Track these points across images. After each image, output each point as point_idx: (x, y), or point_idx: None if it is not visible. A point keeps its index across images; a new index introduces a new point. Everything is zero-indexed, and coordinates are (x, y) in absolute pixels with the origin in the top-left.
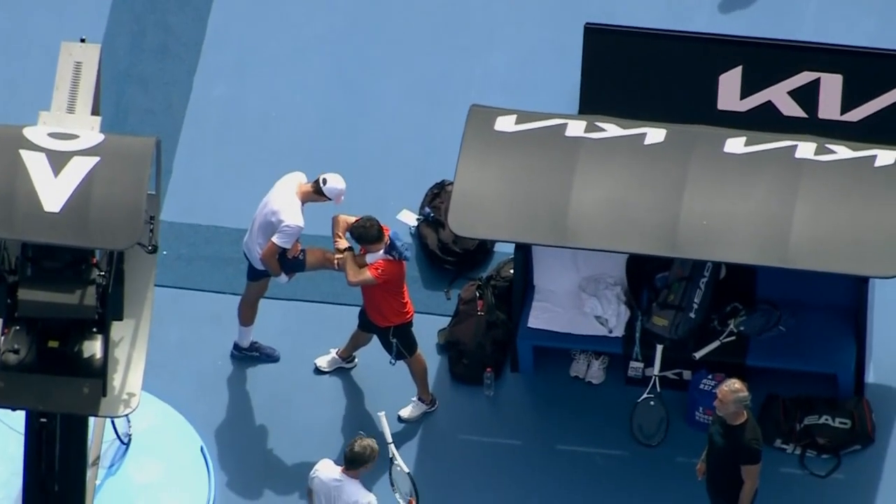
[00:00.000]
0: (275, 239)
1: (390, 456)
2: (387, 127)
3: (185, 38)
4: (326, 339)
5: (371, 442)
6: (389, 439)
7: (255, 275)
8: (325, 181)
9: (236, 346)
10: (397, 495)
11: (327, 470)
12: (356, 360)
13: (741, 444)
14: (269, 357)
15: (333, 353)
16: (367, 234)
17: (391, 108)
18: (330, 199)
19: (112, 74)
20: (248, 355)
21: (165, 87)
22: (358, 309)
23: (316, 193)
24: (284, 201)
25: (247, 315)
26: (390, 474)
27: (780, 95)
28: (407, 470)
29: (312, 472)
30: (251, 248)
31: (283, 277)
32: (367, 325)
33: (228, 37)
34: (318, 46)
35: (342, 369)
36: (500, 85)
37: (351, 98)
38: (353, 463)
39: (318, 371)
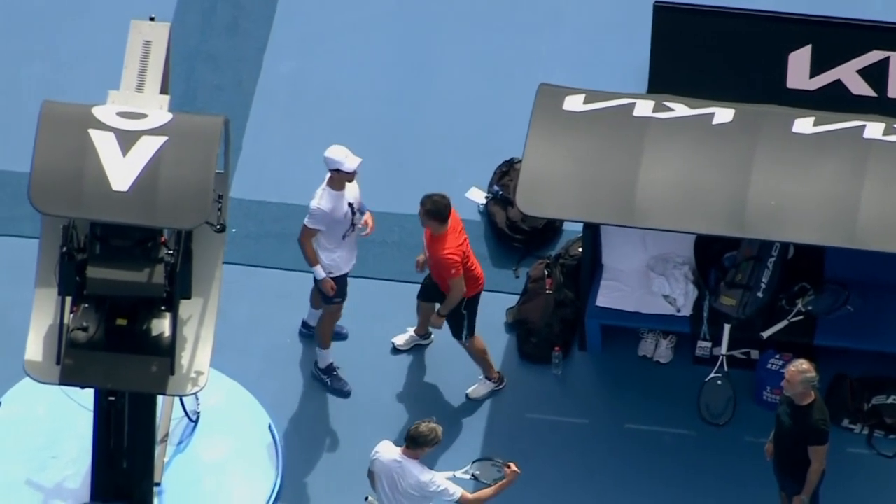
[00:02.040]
0: (305, 221)
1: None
2: (454, 104)
3: (254, 14)
4: (395, 317)
5: (437, 427)
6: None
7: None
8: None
9: (304, 325)
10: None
11: (388, 452)
12: (432, 335)
13: (809, 425)
14: (338, 391)
15: (410, 332)
16: (436, 207)
17: (458, 84)
18: (348, 173)
19: (181, 52)
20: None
21: (235, 64)
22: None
23: (330, 171)
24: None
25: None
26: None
27: (849, 74)
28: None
29: (373, 453)
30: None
31: (319, 271)
32: (433, 296)
33: (297, 13)
34: (385, 22)
35: (417, 346)
36: (567, 63)
37: (418, 74)
38: (414, 442)
39: (395, 350)
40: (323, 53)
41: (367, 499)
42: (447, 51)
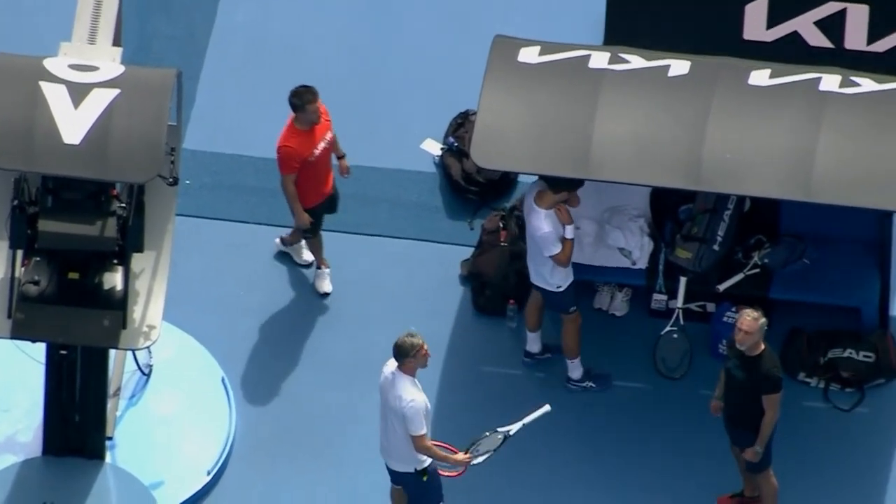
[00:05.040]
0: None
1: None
2: (409, 55)
3: None
4: (348, 268)
5: (416, 338)
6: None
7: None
8: None
9: (527, 353)
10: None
11: (389, 365)
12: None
13: (762, 374)
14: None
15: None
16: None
17: (413, 36)
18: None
19: (134, 2)
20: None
21: (189, 13)
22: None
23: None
24: None
25: (531, 318)
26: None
27: (806, 25)
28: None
29: (384, 367)
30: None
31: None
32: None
33: None
34: None
35: (372, 302)
36: (524, 14)
37: (373, 26)
38: (396, 356)
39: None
40: (278, 3)
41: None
42: (404, 1)
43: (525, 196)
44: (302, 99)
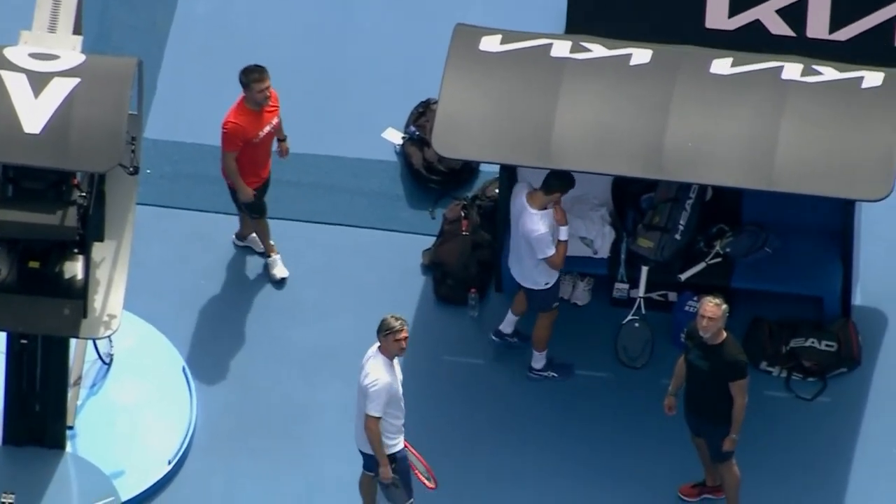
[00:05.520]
0: None
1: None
2: (372, 43)
3: None
4: (309, 258)
5: (393, 321)
6: None
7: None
8: None
9: (497, 332)
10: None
11: (374, 346)
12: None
13: (727, 361)
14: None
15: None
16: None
17: (376, 24)
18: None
19: None
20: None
21: (150, 3)
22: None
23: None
24: None
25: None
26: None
27: (768, 14)
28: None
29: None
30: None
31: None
32: None
33: None
34: None
35: (333, 291)
36: (486, 2)
37: (336, 14)
38: (378, 332)
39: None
40: None
41: None
42: None
43: (514, 197)
44: (248, 77)
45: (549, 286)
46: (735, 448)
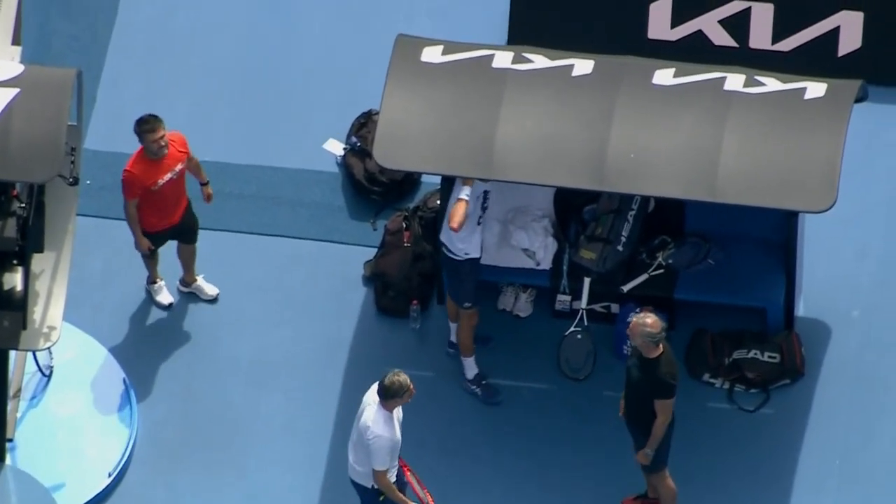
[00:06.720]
0: None
1: None
2: (313, 54)
3: None
4: (251, 270)
5: (404, 379)
6: None
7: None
8: None
9: (451, 344)
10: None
11: (372, 392)
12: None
13: (656, 378)
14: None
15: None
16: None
17: (317, 34)
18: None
19: (34, 0)
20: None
21: (90, 12)
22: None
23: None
24: None
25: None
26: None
27: (711, 24)
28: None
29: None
30: None
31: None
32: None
33: None
34: None
35: (274, 302)
36: (428, 12)
37: (277, 24)
38: (382, 395)
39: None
40: (181, 1)
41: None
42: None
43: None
44: (141, 127)
45: (468, 257)
46: (666, 460)
